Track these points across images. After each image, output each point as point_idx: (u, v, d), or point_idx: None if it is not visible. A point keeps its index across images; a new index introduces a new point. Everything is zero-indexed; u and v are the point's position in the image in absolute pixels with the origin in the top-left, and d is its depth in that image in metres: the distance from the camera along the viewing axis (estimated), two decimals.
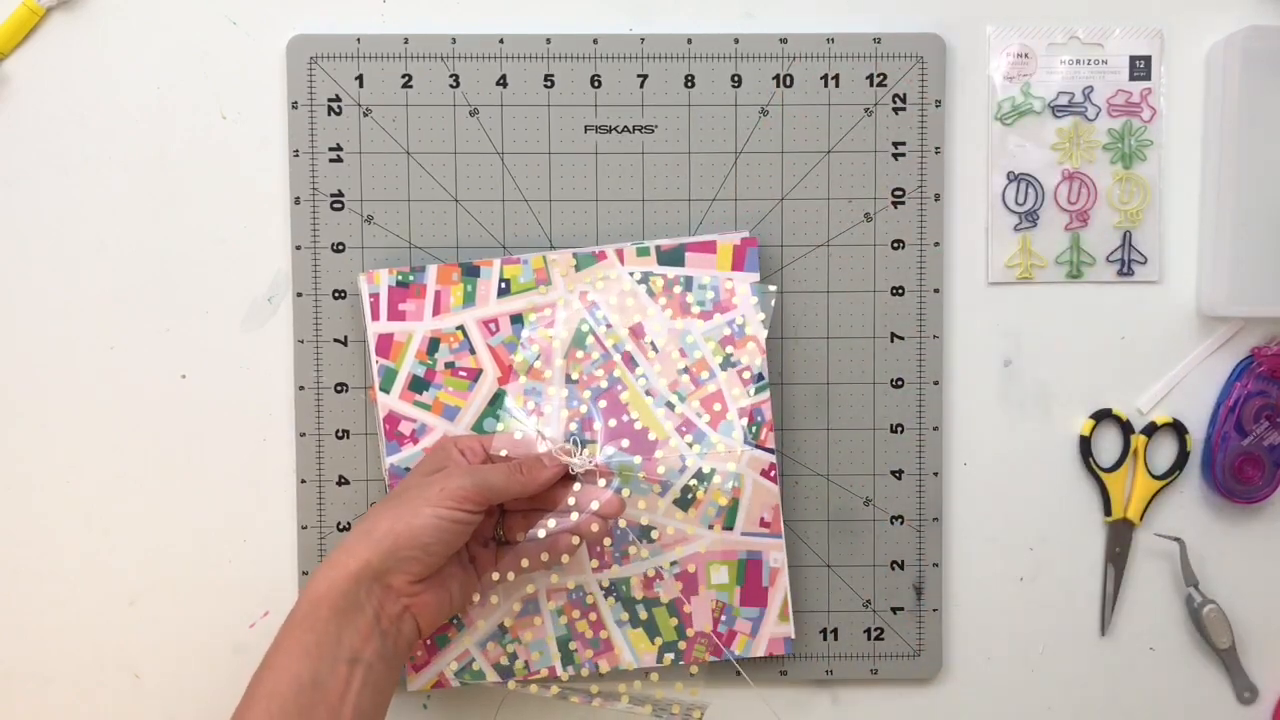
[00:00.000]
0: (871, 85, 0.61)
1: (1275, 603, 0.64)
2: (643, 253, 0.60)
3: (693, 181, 0.61)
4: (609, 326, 0.60)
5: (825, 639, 0.63)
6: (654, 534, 0.59)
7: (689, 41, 0.61)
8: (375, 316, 0.59)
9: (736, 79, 0.61)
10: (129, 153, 0.61)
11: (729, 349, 0.59)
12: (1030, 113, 0.62)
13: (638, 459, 0.58)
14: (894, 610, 0.63)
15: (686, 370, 0.59)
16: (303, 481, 0.62)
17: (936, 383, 0.62)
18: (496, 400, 0.60)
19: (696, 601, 0.60)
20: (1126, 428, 0.63)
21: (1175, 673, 0.64)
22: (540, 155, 0.61)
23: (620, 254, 0.60)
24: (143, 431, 0.62)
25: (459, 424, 0.60)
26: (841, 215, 0.62)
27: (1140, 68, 0.62)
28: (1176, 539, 0.63)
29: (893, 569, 0.63)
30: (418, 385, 0.60)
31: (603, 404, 0.59)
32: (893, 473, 0.63)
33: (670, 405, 0.59)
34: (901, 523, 0.63)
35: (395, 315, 0.59)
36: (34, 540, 0.62)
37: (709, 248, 0.60)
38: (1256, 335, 0.63)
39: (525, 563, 0.56)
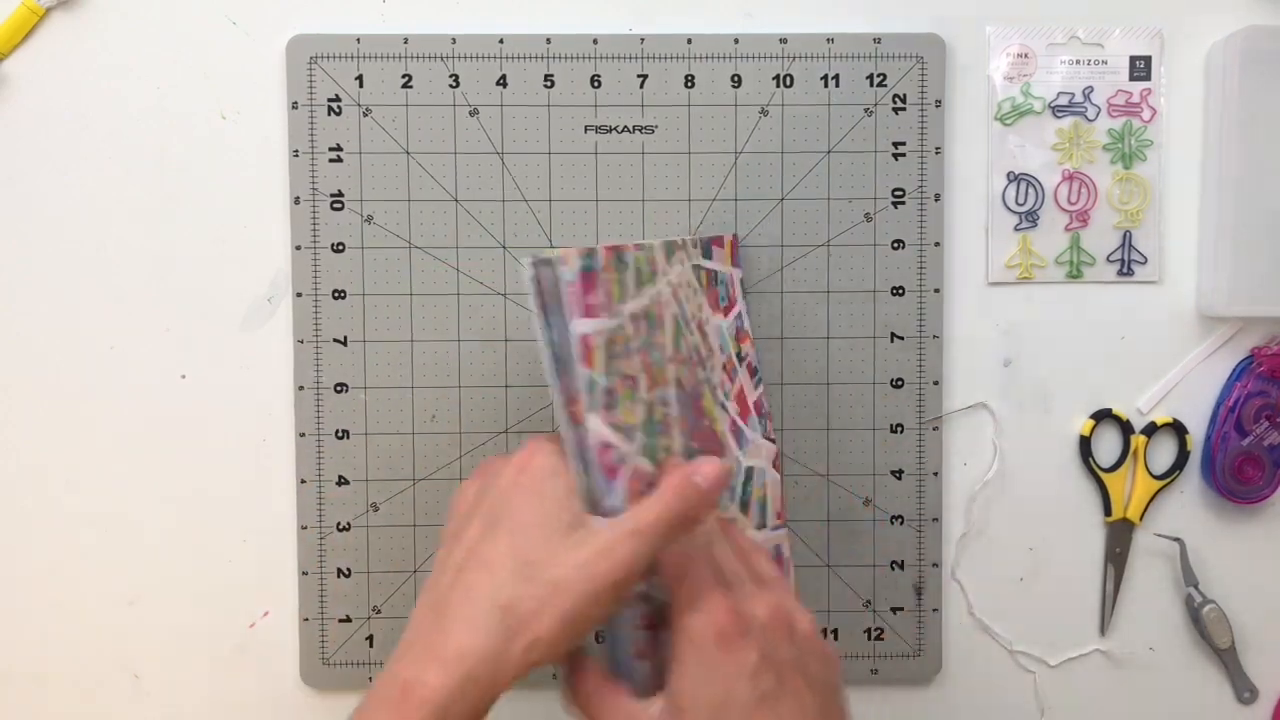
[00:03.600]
0: (871, 85, 0.61)
1: (1275, 603, 0.64)
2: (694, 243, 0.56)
3: (693, 181, 0.61)
4: (687, 323, 0.53)
5: (825, 639, 0.63)
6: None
7: (689, 41, 0.61)
8: (580, 312, 0.44)
9: (736, 79, 0.61)
10: (129, 153, 0.61)
11: (741, 344, 0.59)
12: (1030, 113, 0.62)
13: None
14: (894, 610, 0.63)
15: (724, 367, 0.56)
16: (303, 481, 0.62)
17: (936, 383, 0.62)
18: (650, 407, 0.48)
19: None
20: (1126, 428, 0.63)
21: (1175, 673, 0.64)
22: (540, 155, 0.61)
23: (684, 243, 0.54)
24: (143, 431, 0.62)
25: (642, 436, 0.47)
26: (841, 215, 0.62)
27: (1140, 68, 0.62)
28: (1176, 539, 0.63)
29: (893, 569, 0.63)
30: (609, 400, 0.45)
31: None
32: (893, 473, 0.63)
33: (723, 406, 0.55)
34: (901, 523, 0.63)
35: (588, 311, 0.45)
36: (34, 540, 0.62)
37: (720, 242, 0.59)
38: (1256, 335, 0.63)
39: None
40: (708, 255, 0.57)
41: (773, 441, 0.59)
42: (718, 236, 0.59)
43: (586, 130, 0.61)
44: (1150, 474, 0.63)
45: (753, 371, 0.59)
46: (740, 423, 0.56)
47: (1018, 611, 0.64)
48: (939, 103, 0.62)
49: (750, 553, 0.47)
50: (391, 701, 0.39)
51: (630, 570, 0.40)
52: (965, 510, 0.63)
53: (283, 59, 0.61)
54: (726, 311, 0.58)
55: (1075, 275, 0.63)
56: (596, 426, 0.44)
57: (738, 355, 0.58)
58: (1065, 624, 0.64)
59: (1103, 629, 0.64)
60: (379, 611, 0.62)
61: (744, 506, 0.55)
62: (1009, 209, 0.63)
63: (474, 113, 0.61)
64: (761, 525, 0.57)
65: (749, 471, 0.56)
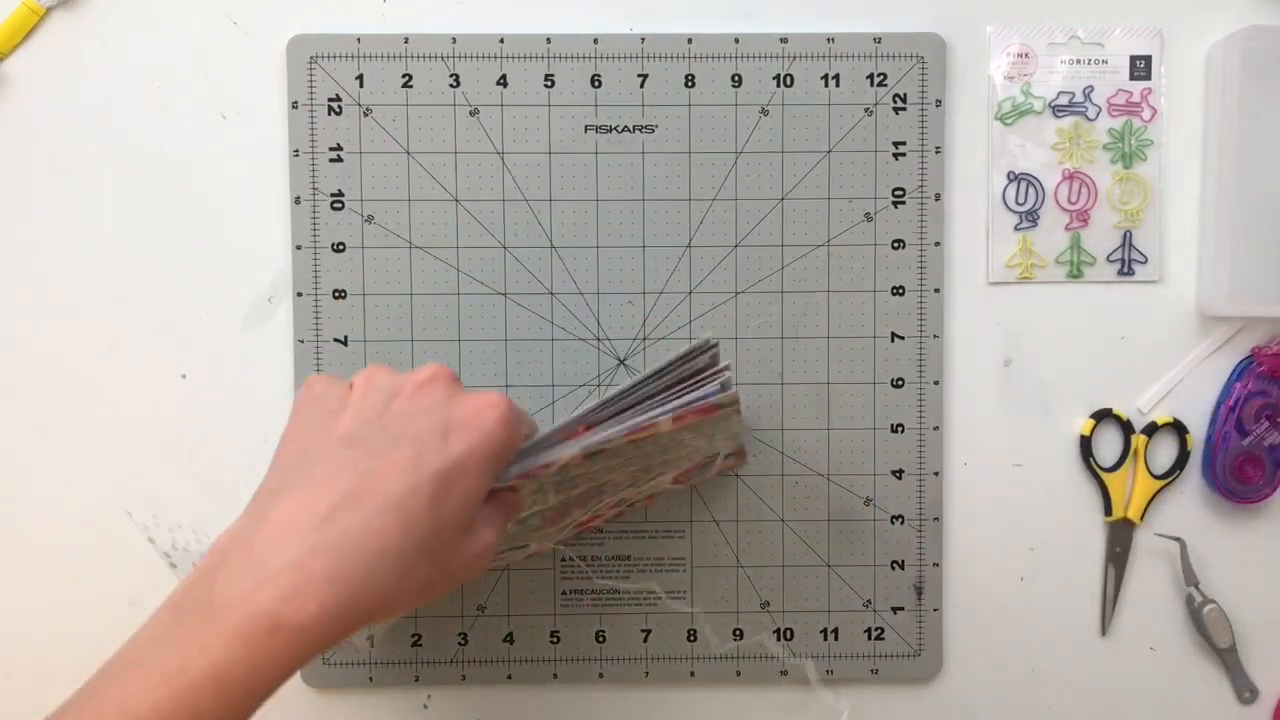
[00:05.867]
0: (872, 85, 0.61)
1: (1275, 603, 0.64)
2: None
3: (693, 181, 0.61)
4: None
5: (825, 639, 0.63)
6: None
7: (689, 41, 0.61)
8: (679, 418, 0.47)
9: (736, 79, 0.61)
10: (129, 153, 0.61)
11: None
12: (1030, 113, 0.62)
13: None
14: (894, 610, 0.63)
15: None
16: None
17: (936, 383, 0.62)
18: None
19: None
20: (1127, 428, 0.63)
21: (1175, 673, 0.64)
22: (540, 155, 0.61)
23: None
24: (143, 431, 0.62)
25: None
26: (841, 215, 0.62)
27: (1140, 68, 0.62)
28: (1176, 539, 0.63)
29: (893, 569, 0.63)
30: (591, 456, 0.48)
31: None
32: (893, 473, 0.63)
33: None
34: (902, 523, 0.63)
35: (678, 421, 0.48)
36: (34, 540, 0.62)
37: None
38: (1256, 335, 0.63)
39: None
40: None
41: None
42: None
43: (587, 130, 0.61)
44: (1151, 474, 0.63)
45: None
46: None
47: (1018, 611, 0.64)
48: (939, 102, 0.61)
49: None
50: (261, 634, 0.36)
51: (472, 576, 0.42)
52: (965, 510, 0.63)
53: (283, 59, 0.61)
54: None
55: (1075, 275, 0.63)
56: (569, 453, 0.45)
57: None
58: (1065, 624, 0.64)
59: (1103, 629, 0.64)
60: None
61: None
62: (1009, 209, 0.62)
63: (474, 113, 0.61)
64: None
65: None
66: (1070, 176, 0.62)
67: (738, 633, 0.63)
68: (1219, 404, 0.63)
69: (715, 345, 0.48)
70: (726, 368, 0.48)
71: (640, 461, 0.51)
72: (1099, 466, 0.63)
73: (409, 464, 0.38)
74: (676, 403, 0.47)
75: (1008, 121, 0.62)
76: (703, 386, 0.47)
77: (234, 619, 0.35)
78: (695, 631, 0.63)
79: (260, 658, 0.35)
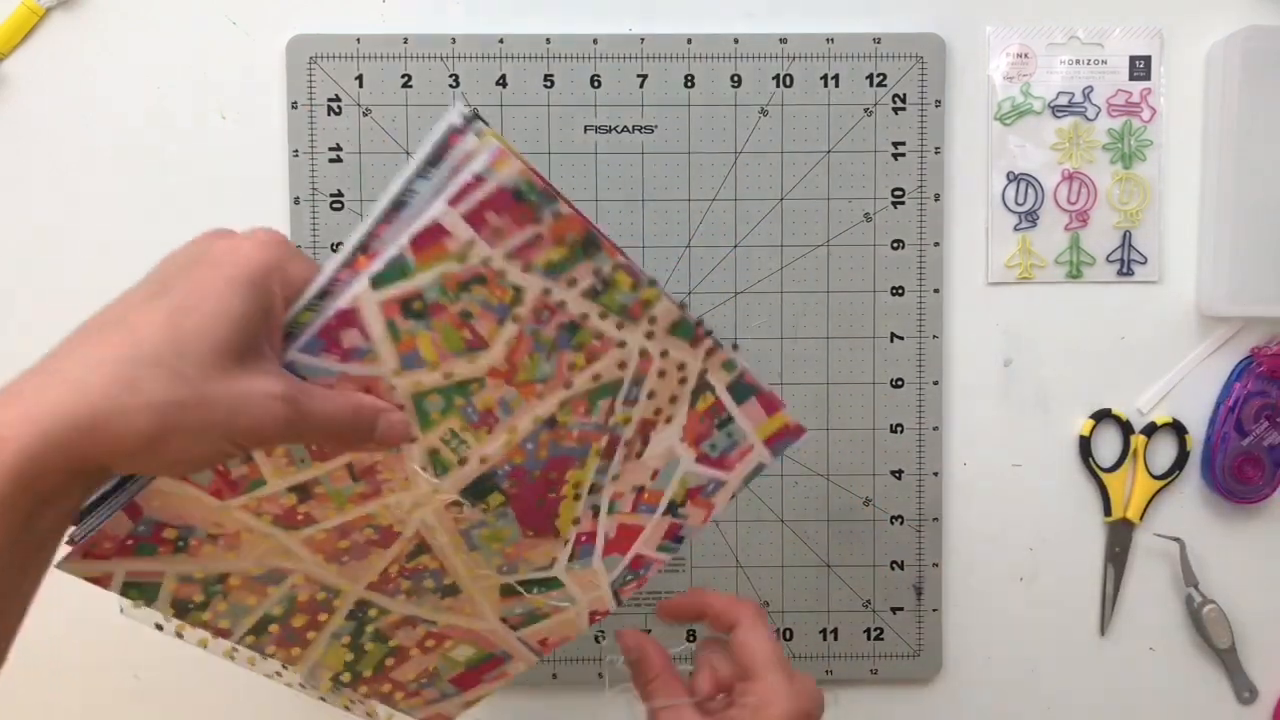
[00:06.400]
0: (871, 85, 0.61)
1: (1275, 603, 0.64)
2: (729, 366, 0.44)
3: (693, 181, 0.61)
4: (628, 399, 0.43)
5: (825, 639, 0.63)
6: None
7: (689, 41, 0.61)
8: (456, 200, 0.37)
9: (736, 79, 0.61)
10: (129, 153, 0.61)
11: (692, 504, 0.48)
12: (1030, 113, 0.62)
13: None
14: (894, 610, 0.63)
15: (640, 491, 0.47)
16: None
17: (936, 383, 0.62)
18: (463, 390, 0.40)
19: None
20: (1126, 428, 0.63)
21: (1175, 673, 0.64)
22: (540, 155, 0.61)
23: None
24: None
25: (407, 378, 0.39)
26: (841, 215, 0.62)
27: (1140, 68, 0.62)
28: (1176, 539, 0.63)
29: (893, 569, 0.63)
30: (412, 309, 0.38)
31: None
32: (893, 473, 0.63)
33: (596, 509, 0.47)
34: (901, 523, 0.63)
35: (474, 220, 0.37)
36: None
37: (767, 401, 0.45)
38: (1256, 335, 0.63)
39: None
40: (740, 398, 0.44)
41: (619, 601, 0.48)
42: (764, 392, 0.45)
43: (586, 130, 0.61)
44: (1150, 474, 0.63)
45: (675, 535, 0.47)
46: (596, 545, 0.46)
47: (1017, 611, 0.64)
48: (939, 103, 0.61)
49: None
50: None
51: (260, 436, 0.36)
52: (965, 510, 0.63)
53: (283, 59, 0.61)
54: (710, 463, 0.46)
55: (1075, 275, 0.63)
56: (363, 296, 0.37)
57: (672, 507, 0.46)
58: (1065, 624, 0.64)
59: (1103, 629, 0.64)
60: None
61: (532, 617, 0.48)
62: (1009, 209, 0.63)
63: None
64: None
65: (552, 583, 0.47)
66: (1070, 177, 0.62)
67: None
68: (1218, 404, 0.63)
69: (472, 112, 0.38)
70: (489, 131, 0.38)
71: (512, 328, 0.39)
72: (1098, 467, 0.63)
73: (152, 288, 0.36)
74: (438, 183, 0.38)
75: (1007, 122, 0.62)
76: (468, 160, 0.37)
77: None
78: (694, 632, 0.63)
79: None
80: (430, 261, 0.37)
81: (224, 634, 0.45)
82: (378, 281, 0.37)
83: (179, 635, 0.46)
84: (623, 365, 0.42)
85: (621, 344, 0.41)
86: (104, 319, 0.36)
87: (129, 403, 0.33)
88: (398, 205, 0.38)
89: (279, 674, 0.49)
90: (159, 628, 0.45)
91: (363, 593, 0.45)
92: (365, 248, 0.38)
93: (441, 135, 0.38)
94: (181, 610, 0.44)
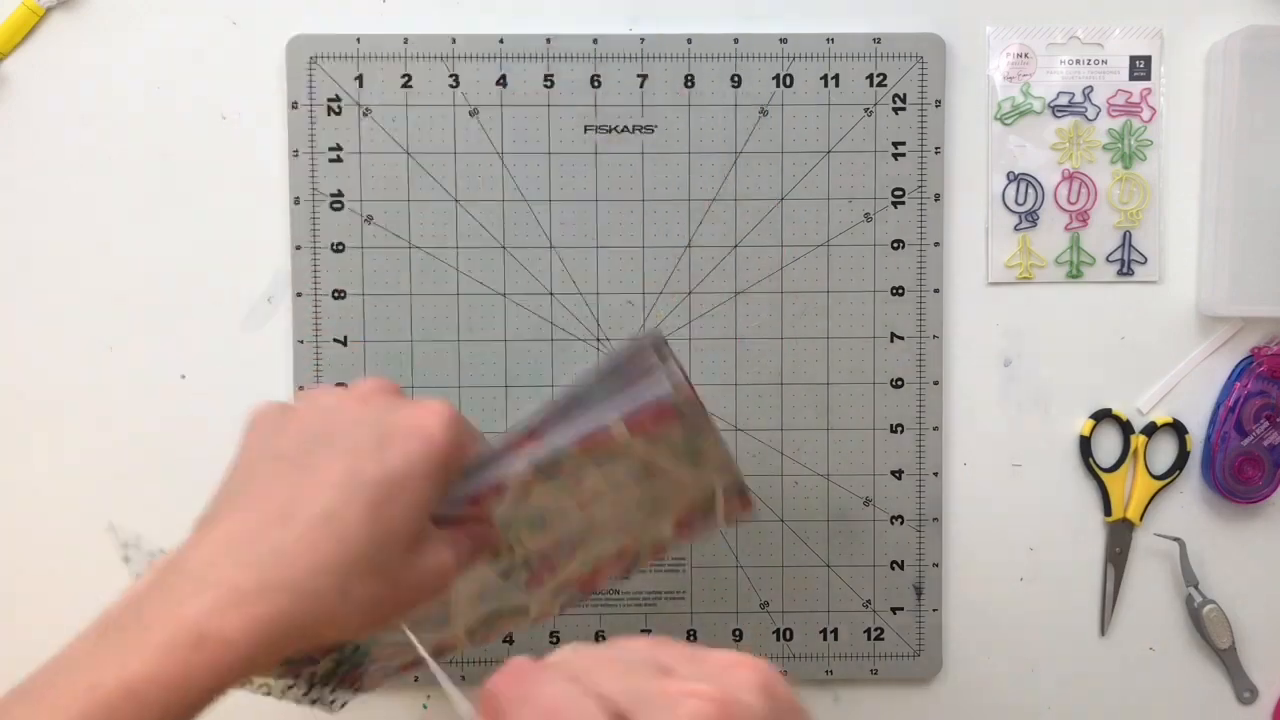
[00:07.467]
0: (871, 85, 0.61)
1: (1275, 603, 0.64)
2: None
3: (692, 181, 0.61)
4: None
5: (825, 639, 0.63)
6: None
7: (689, 41, 0.61)
8: (630, 418, 0.42)
9: (736, 79, 0.61)
10: (129, 153, 0.61)
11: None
12: (1030, 113, 0.62)
13: None
14: (894, 610, 0.63)
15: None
16: None
17: (936, 383, 0.62)
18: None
19: None
20: (1126, 428, 0.63)
21: (1175, 673, 0.64)
22: (540, 155, 0.61)
23: None
24: (143, 431, 0.62)
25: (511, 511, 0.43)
26: (841, 215, 0.62)
27: (1140, 68, 0.62)
28: (1176, 539, 0.63)
29: (893, 569, 0.63)
30: (547, 473, 0.43)
31: None
32: (893, 473, 0.63)
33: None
34: (901, 523, 0.63)
35: (635, 428, 0.42)
36: (33, 540, 0.62)
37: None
38: (1256, 335, 0.63)
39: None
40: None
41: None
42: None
43: (586, 130, 0.61)
44: (1150, 474, 0.63)
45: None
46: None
47: (1017, 611, 0.64)
48: (939, 103, 0.61)
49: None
50: (185, 647, 0.33)
51: (430, 597, 0.39)
52: (965, 510, 0.63)
53: (283, 59, 0.61)
54: (681, 534, 0.48)
55: (1075, 275, 0.63)
56: (520, 473, 0.42)
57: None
58: (1065, 624, 0.64)
59: (1103, 629, 0.64)
60: None
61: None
62: (1009, 209, 0.63)
63: (474, 113, 0.61)
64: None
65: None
66: (1070, 177, 0.62)
67: (737, 633, 0.63)
68: (1218, 404, 0.63)
69: (660, 340, 0.43)
70: (670, 358, 0.42)
71: (619, 494, 0.45)
72: (1098, 467, 0.63)
73: (344, 475, 0.37)
74: (620, 400, 0.42)
75: (1007, 122, 0.62)
76: (651, 385, 0.42)
77: (158, 633, 0.34)
78: (695, 632, 0.63)
79: (183, 672, 0.33)
80: (587, 452, 0.42)
81: None
82: (539, 468, 0.42)
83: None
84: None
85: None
86: (296, 490, 0.37)
87: (340, 610, 0.35)
88: (574, 404, 0.43)
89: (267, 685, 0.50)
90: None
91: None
92: (533, 430, 0.43)
93: (632, 353, 0.43)
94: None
